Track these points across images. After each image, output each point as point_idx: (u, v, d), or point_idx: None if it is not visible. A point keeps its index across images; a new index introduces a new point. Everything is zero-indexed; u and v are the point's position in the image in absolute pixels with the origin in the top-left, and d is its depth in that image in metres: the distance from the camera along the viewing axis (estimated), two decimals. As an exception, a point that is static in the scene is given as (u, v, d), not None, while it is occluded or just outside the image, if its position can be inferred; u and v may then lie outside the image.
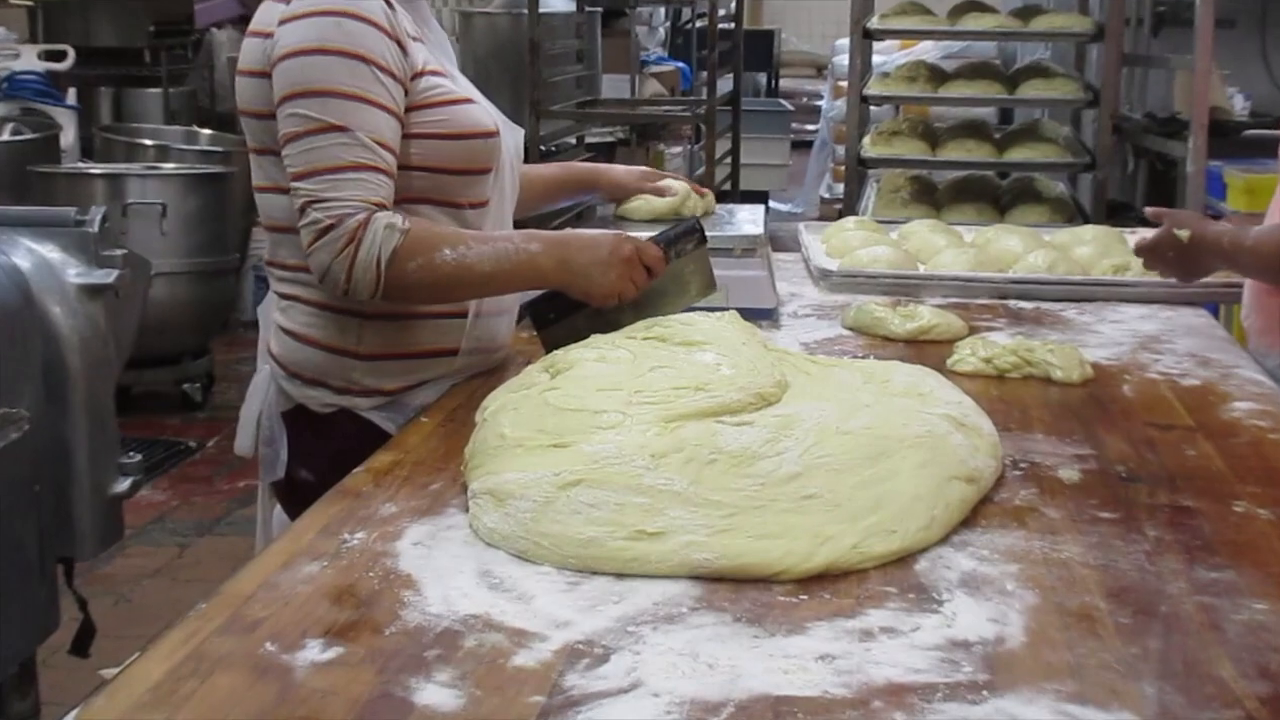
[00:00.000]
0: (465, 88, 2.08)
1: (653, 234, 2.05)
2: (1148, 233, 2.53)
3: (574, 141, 7.32)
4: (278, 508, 2.14)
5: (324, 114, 1.87)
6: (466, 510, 1.54)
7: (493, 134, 2.04)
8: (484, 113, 2.05)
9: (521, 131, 2.20)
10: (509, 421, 1.60)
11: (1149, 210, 2.54)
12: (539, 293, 2.05)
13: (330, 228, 1.86)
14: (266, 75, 1.92)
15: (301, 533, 1.50)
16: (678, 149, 8.91)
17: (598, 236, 2.00)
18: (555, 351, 1.77)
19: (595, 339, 1.81)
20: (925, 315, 2.44)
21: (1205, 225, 2.41)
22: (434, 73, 2.00)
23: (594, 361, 1.70)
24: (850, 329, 2.49)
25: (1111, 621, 1.30)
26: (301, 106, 1.87)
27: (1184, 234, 2.39)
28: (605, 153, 7.84)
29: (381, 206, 1.88)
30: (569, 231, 2.04)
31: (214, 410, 5.69)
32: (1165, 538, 1.51)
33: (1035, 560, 1.44)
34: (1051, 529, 1.53)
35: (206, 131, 6.85)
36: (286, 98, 1.88)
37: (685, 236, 2.05)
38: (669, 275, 2.04)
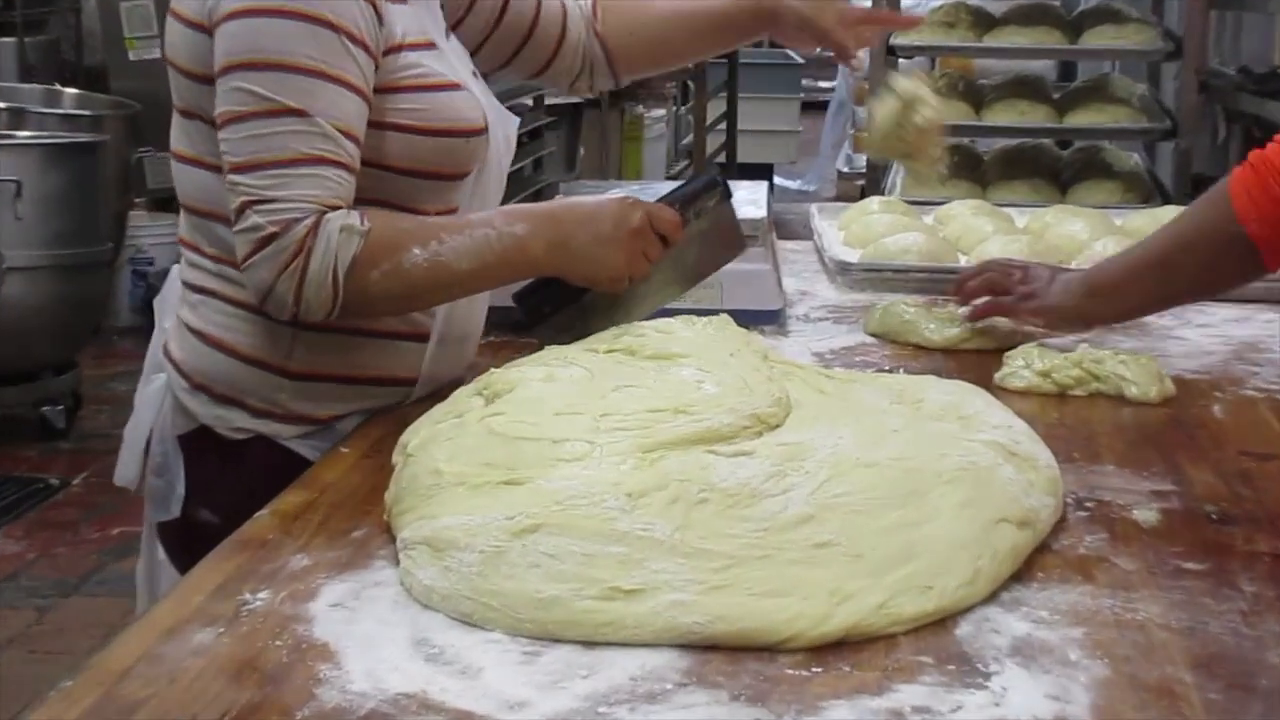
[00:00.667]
0: (455, 65, 2.07)
1: (663, 194, 2.05)
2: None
3: (530, 103, 7.32)
4: (166, 560, 2.13)
5: (278, 93, 1.85)
6: (397, 563, 1.54)
7: (479, 131, 2.02)
8: (472, 102, 2.03)
9: (515, 121, 2.19)
10: (445, 454, 1.60)
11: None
12: (527, 281, 2.05)
13: (273, 237, 1.84)
14: (205, 29, 1.90)
15: (191, 592, 1.50)
16: (660, 112, 8.91)
17: (597, 207, 2.00)
18: (492, 371, 1.77)
19: (545, 353, 1.81)
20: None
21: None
22: (414, 46, 1.98)
23: (541, 382, 1.70)
24: (875, 335, 2.50)
25: (1199, 699, 1.30)
26: (250, 81, 1.85)
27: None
28: (569, 116, 7.84)
29: (335, 208, 1.87)
30: (561, 203, 2.03)
31: (81, 439, 5.68)
32: (1266, 594, 1.51)
33: (1105, 622, 1.44)
34: (1125, 583, 1.53)
35: (72, 91, 6.84)
36: (231, 68, 1.87)
37: (704, 193, 2.05)
38: (689, 240, 2.04)
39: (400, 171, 1.98)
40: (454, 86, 2.02)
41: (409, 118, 1.97)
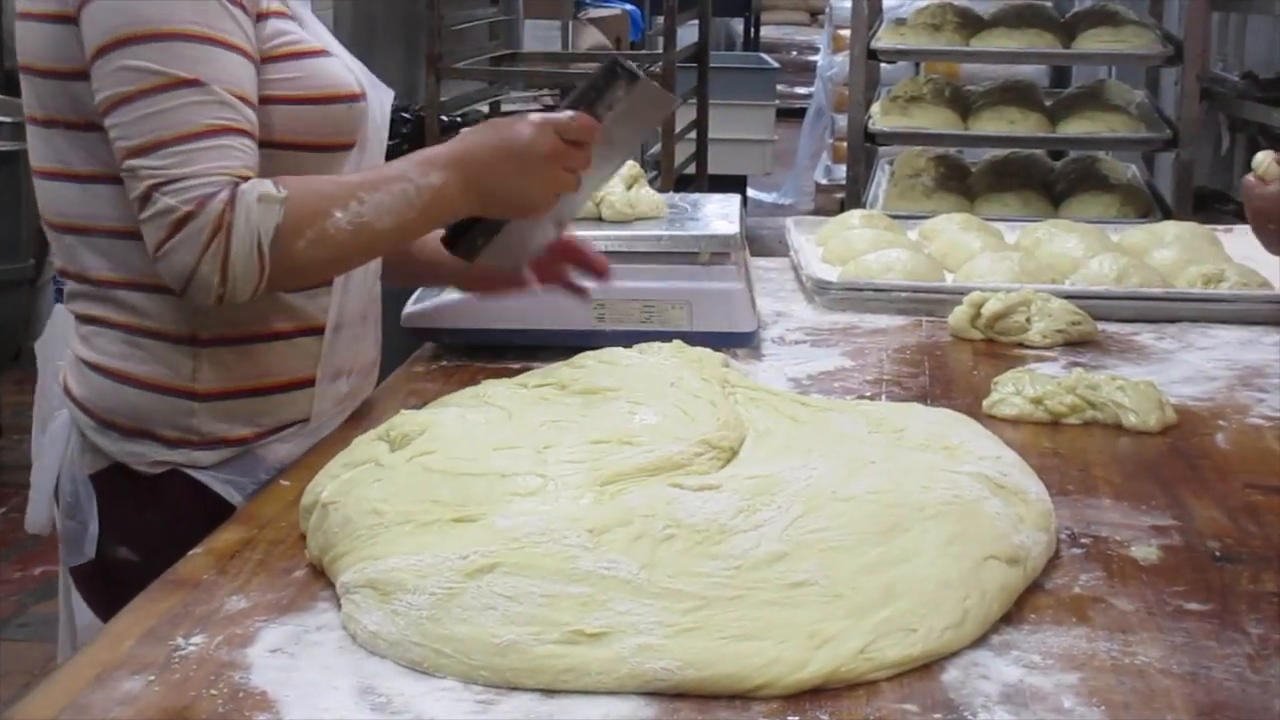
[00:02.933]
0: (318, 33, 2.09)
1: (570, 99, 2.05)
2: (1248, 230, 2.55)
3: (486, 110, 7.32)
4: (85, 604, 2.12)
5: (167, 64, 1.85)
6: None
7: (358, 96, 2.05)
8: (344, 68, 2.06)
9: (390, 94, 2.20)
10: (380, 495, 1.60)
11: (1260, 157, 2.52)
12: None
13: (189, 217, 1.84)
14: (67, 19, 1.90)
15: (120, 637, 1.49)
16: (625, 120, 8.92)
17: (509, 137, 1.99)
18: (392, 420, 1.77)
19: (455, 395, 1.84)
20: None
21: None
22: (279, 14, 2.00)
23: (454, 423, 1.71)
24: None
25: (1202, 748, 1.31)
26: (134, 56, 1.85)
27: None
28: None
29: (245, 178, 1.87)
30: (472, 139, 2.03)
31: (0, 471, 5.65)
32: (1273, 637, 1.52)
33: (1101, 667, 1.45)
34: (1123, 625, 1.54)
35: (-12, 95, 6.81)
36: (109, 46, 1.86)
37: (609, 85, 2.05)
38: (607, 130, 2.05)
39: (285, 146, 1.99)
40: (323, 53, 2.04)
41: (286, 88, 1.98)
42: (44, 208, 2.03)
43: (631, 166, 2.59)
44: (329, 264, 1.96)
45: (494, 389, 1.87)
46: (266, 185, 1.87)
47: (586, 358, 1.95)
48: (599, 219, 2.55)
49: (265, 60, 1.96)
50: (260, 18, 1.96)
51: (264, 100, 1.95)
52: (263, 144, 1.95)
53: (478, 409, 1.77)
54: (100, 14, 1.86)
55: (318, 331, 2.07)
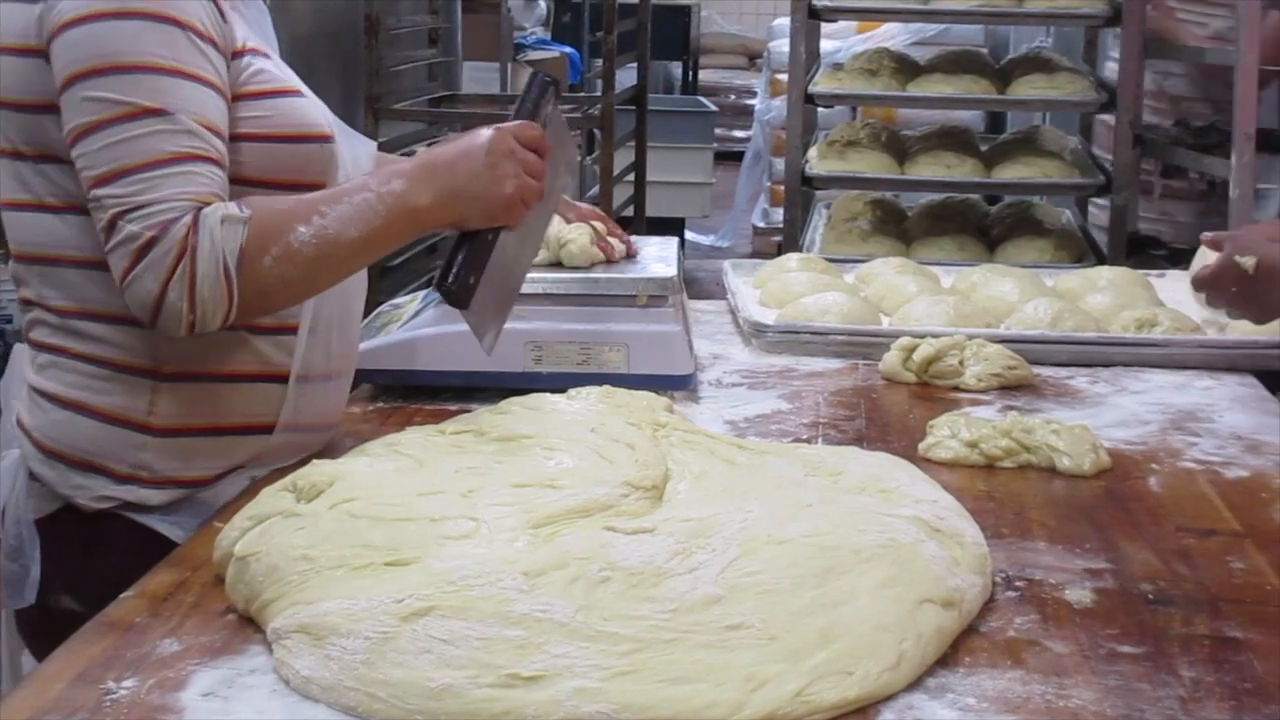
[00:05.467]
0: (289, 76, 2.10)
1: (514, 111, 2.08)
2: (1181, 275, 2.58)
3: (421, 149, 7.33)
4: (26, 650, 2.10)
5: (133, 95, 1.86)
6: (276, 648, 1.52)
7: (329, 137, 2.06)
8: (316, 108, 2.07)
9: (372, 145, 2.21)
10: (307, 541, 1.59)
11: (1205, 236, 2.59)
12: (444, 272, 2.04)
13: (152, 242, 1.84)
14: (38, 52, 1.90)
15: (50, 680, 1.48)
16: (564, 162, 8.94)
17: (466, 144, 2.01)
18: (299, 470, 1.77)
19: (365, 445, 1.84)
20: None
21: (1276, 250, 2.45)
22: (255, 51, 2.01)
23: (364, 473, 1.71)
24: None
25: (1135, 791, 1.31)
26: (100, 88, 1.86)
27: (1248, 262, 2.43)
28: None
29: (209, 203, 1.87)
30: (430, 151, 2.04)
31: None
32: (1205, 679, 1.53)
33: (1036, 710, 1.45)
34: (1057, 668, 1.54)
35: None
36: (76, 77, 1.87)
37: (541, 97, 2.07)
38: (551, 142, 2.07)
39: (256, 184, 1.99)
40: (296, 92, 2.05)
41: (258, 125, 1.99)
42: (11, 239, 2.03)
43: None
44: (297, 281, 1.94)
45: (406, 438, 1.88)
46: (230, 207, 1.87)
47: (512, 403, 1.96)
48: (558, 264, 2.53)
49: (240, 97, 1.97)
50: (236, 55, 1.97)
51: (237, 137, 1.96)
52: (234, 180, 1.95)
53: (388, 458, 1.77)
54: (71, 45, 1.87)
55: (283, 379, 2.06)
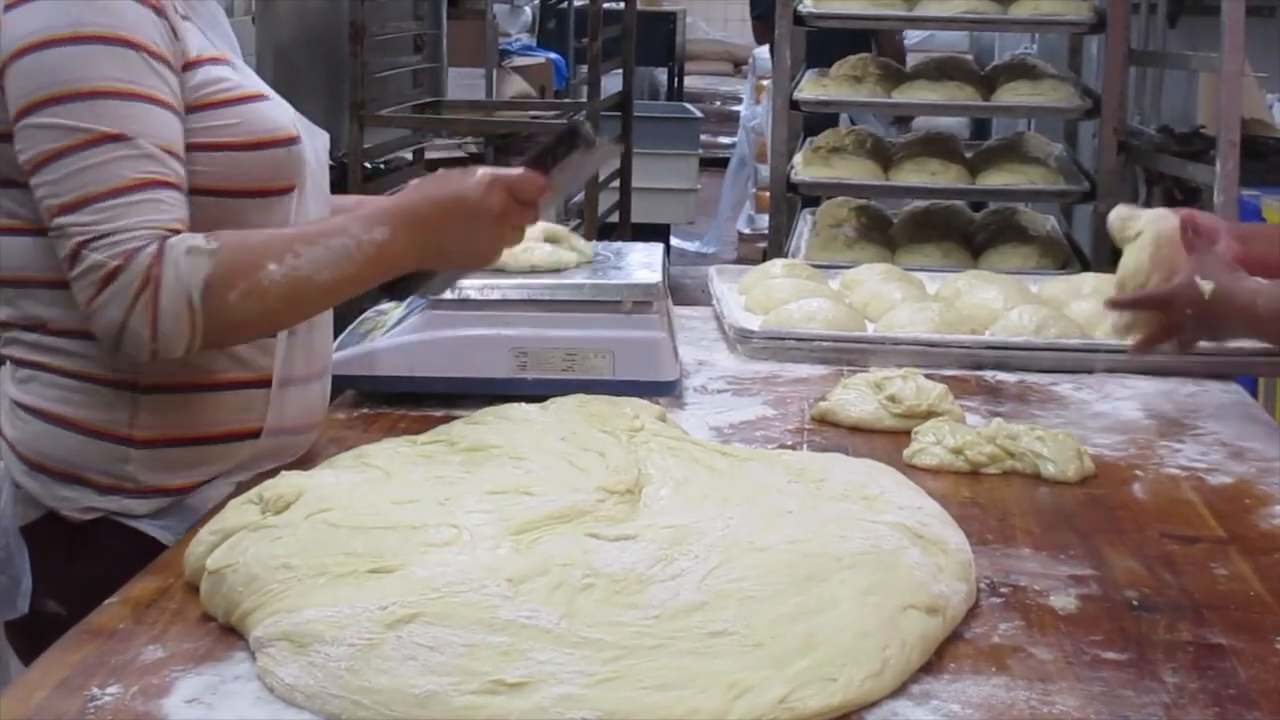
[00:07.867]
0: (251, 79, 2.09)
1: (523, 157, 2.07)
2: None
3: (410, 157, 7.31)
4: (15, 660, 2.10)
5: (91, 121, 1.85)
6: (260, 655, 1.52)
7: (295, 139, 2.05)
8: (281, 111, 2.06)
9: (325, 136, 2.20)
10: (286, 551, 1.59)
11: (1119, 212, 2.59)
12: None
13: (117, 271, 1.83)
14: None
15: (32, 688, 1.47)
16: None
17: (458, 196, 2.00)
18: (266, 483, 1.77)
19: (333, 459, 1.84)
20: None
21: (1236, 280, 2.45)
22: (213, 60, 2.00)
23: (332, 485, 1.71)
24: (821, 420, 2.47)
25: (1119, 797, 1.31)
26: (58, 115, 1.85)
27: (1206, 286, 2.44)
28: (453, 172, 7.81)
29: (175, 231, 1.87)
30: (418, 195, 2.02)
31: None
32: (1189, 685, 1.53)
33: (1020, 716, 1.45)
34: (1041, 674, 1.54)
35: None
36: (33, 106, 1.86)
37: (568, 150, 2.06)
38: (558, 180, 2.06)
39: (224, 193, 1.98)
40: (260, 97, 2.04)
41: (223, 134, 1.98)
42: None
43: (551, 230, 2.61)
44: (263, 317, 1.94)
45: (373, 449, 1.88)
46: (196, 239, 1.86)
47: (486, 414, 1.97)
48: (533, 270, 2.53)
49: (202, 107, 1.96)
50: (189, 66, 1.96)
51: (202, 147, 1.95)
52: (203, 191, 1.95)
53: (355, 470, 1.77)
54: (24, 74, 1.86)
55: (265, 384, 2.06)
